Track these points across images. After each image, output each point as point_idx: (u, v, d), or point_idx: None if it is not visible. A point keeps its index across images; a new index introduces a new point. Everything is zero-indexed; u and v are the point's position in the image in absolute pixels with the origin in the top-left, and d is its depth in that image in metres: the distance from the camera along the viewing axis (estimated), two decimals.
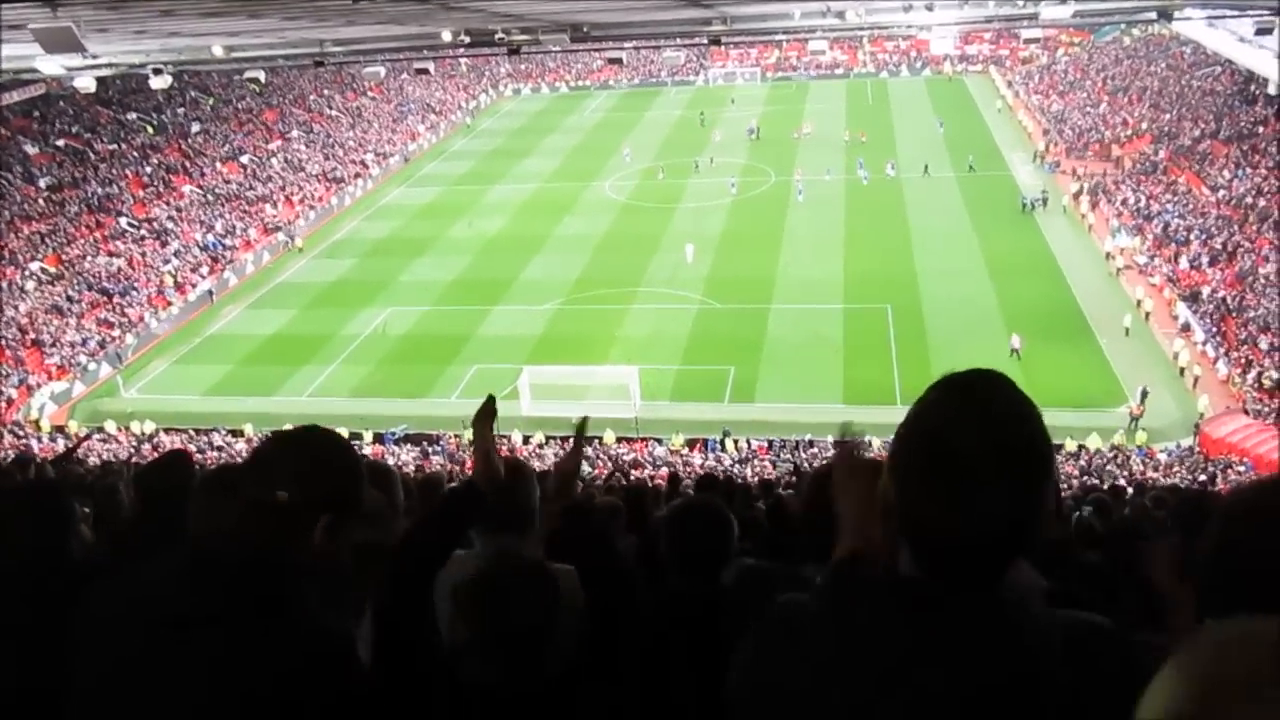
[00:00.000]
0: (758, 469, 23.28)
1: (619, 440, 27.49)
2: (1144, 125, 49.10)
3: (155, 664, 1.63)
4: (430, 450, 26.82)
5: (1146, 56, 58.54)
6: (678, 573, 2.94)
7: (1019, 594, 1.34)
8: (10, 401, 31.01)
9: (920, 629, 1.27)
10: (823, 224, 42.77)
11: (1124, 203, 41.34)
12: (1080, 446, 25.36)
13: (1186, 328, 31.21)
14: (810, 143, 55.44)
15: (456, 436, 26.95)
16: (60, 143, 45.76)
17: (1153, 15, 25.01)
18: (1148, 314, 32.49)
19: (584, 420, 3.05)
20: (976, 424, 1.26)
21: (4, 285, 36.03)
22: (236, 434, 27.97)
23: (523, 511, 3.09)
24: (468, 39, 23.79)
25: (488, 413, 2.55)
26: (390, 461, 24.16)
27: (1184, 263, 34.85)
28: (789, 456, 25.19)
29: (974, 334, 31.31)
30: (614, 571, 2.60)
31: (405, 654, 2.29)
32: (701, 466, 24.29)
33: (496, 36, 23.08)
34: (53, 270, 37.84)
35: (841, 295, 35.37)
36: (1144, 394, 27.34)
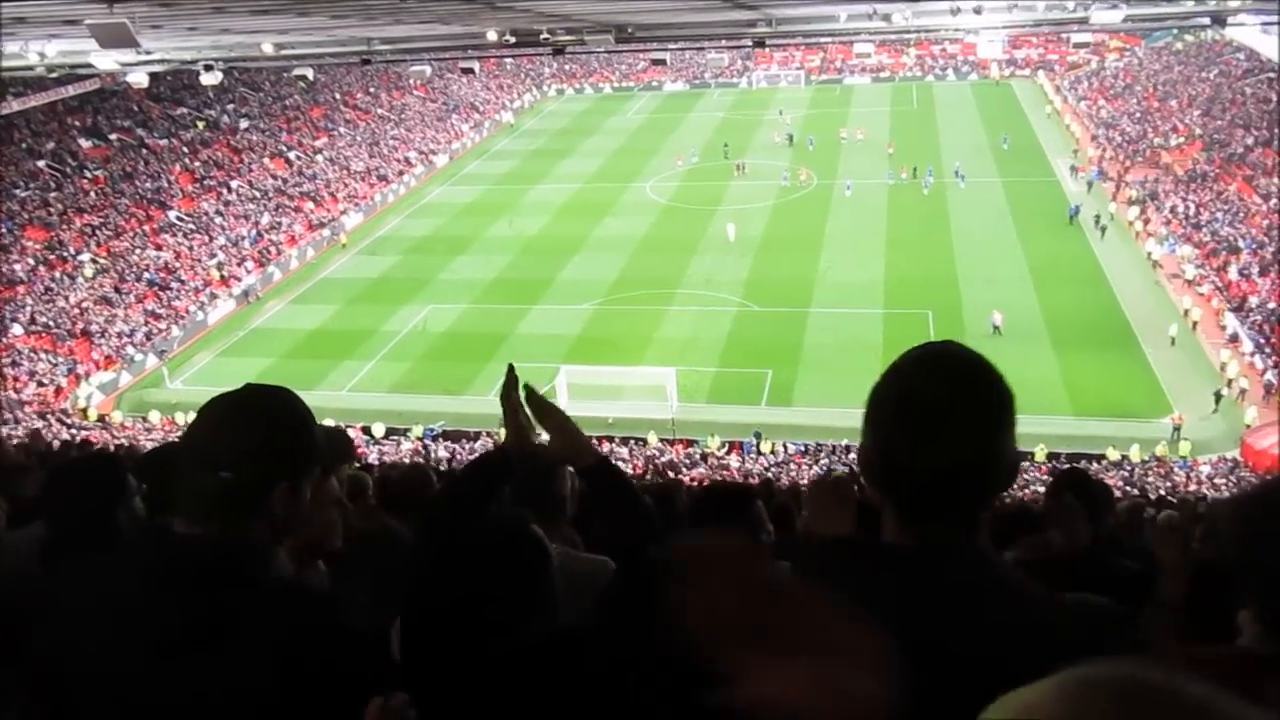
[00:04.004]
0: (793, 474, 23.19)
1: (662, 441, 27.51)
2: (1198, 131, 48.24)
3: (136, 664, 1.58)
4: (468, 448, 27.00)
5: (1199, 63, 57.54)
6: None
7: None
8: (59, 390, 31.65)
9: (884, 585, 1.41)
10: (864, 228, 42.45)
11: (1173, 210, 40.66)
12: (1123, 456, 24.99)
13: (1235, 338, 30.62)
14: (854, 147, 55.06)
15: (491, 434, 27.08)
16: (113, 136, 46.69)
17: (1206, 21, 24.60)
18: (1195, 324, 31.93)
19: (511, 378, 2.56)
20: (940, 371, 1.46)
21: (57, 275, 36.85)
22: None
23: (555, 500, 3.11)
24: (513, 39, 23.93)
25: (512, 382, 2.54)
26: (429, 459, 24.38)
27: (1233, 272, 34.20)
28: (827, 462, 25.07)
29: (1016, 341, 30.94)
30: (646, 533, 2.51)
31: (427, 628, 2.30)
32: (739, 470, 24.25)
33: (541, 36, 23.20)
34: (103, 261, 38.61)
35: (882, 300, 35.12)
36: (1218, 396, 27.63)
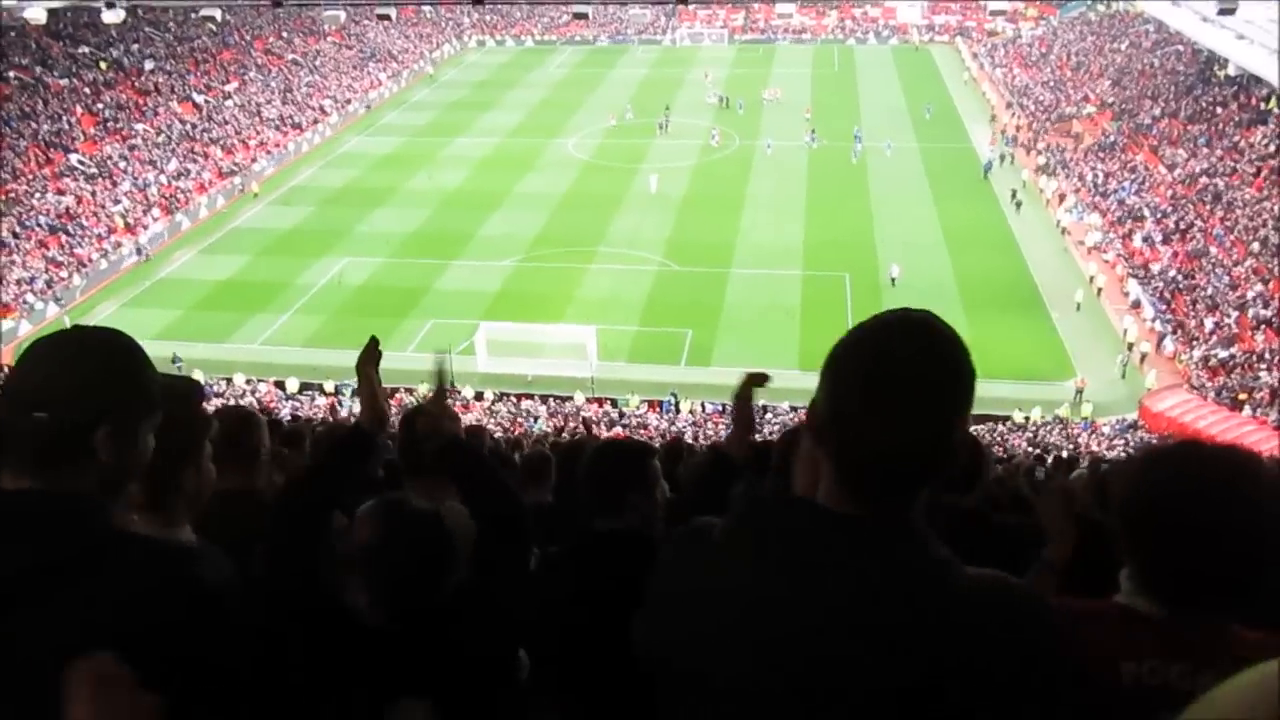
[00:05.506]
0: (710, 433, 23.42)
1: (588, 400, 27.51)
2: (1109, 100, 49.47)
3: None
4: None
5: (1110, 34, 58.91)
6: (598, 512, 2.93)
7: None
8: None
9: (834, 554, 1.37)
10: (785, 190, 42.72)
11: (1081, 178, 41.78)
12: (1026, 418, 25.79)
13: (1137, 304, 31.73)
14: (776, 108, 55.16)
15: (410, 390, 26.68)
16: (10, 75, 44.30)
17: None
18: (1100, 289, 32.98)
19: (439, 360, 2.90)
20: (916, 345, 1.38)
21: None
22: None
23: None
24: None
25: (371, 356, 2.51)
26: (343, 414, 24.00)
27: (1137, 240, 35.36)
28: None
29: (929, 304, 31.47)
30: (500, 500, 2.59)
31: (291, 597, 2.30)
32: (657, 429, 24.40)
33: None
34: None
35: (801, 262, 35.47)
36: (1124, 367, 28.87)
